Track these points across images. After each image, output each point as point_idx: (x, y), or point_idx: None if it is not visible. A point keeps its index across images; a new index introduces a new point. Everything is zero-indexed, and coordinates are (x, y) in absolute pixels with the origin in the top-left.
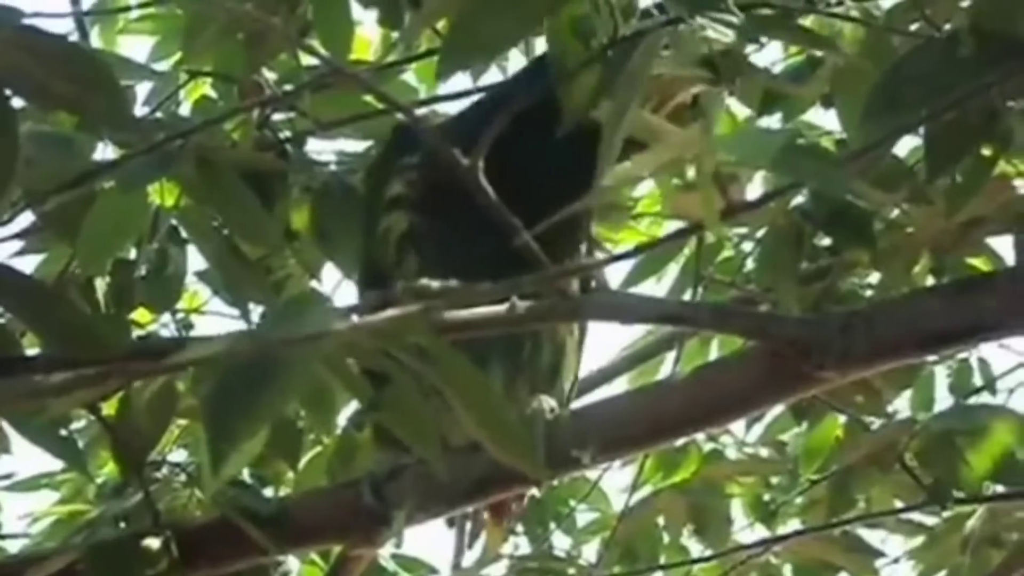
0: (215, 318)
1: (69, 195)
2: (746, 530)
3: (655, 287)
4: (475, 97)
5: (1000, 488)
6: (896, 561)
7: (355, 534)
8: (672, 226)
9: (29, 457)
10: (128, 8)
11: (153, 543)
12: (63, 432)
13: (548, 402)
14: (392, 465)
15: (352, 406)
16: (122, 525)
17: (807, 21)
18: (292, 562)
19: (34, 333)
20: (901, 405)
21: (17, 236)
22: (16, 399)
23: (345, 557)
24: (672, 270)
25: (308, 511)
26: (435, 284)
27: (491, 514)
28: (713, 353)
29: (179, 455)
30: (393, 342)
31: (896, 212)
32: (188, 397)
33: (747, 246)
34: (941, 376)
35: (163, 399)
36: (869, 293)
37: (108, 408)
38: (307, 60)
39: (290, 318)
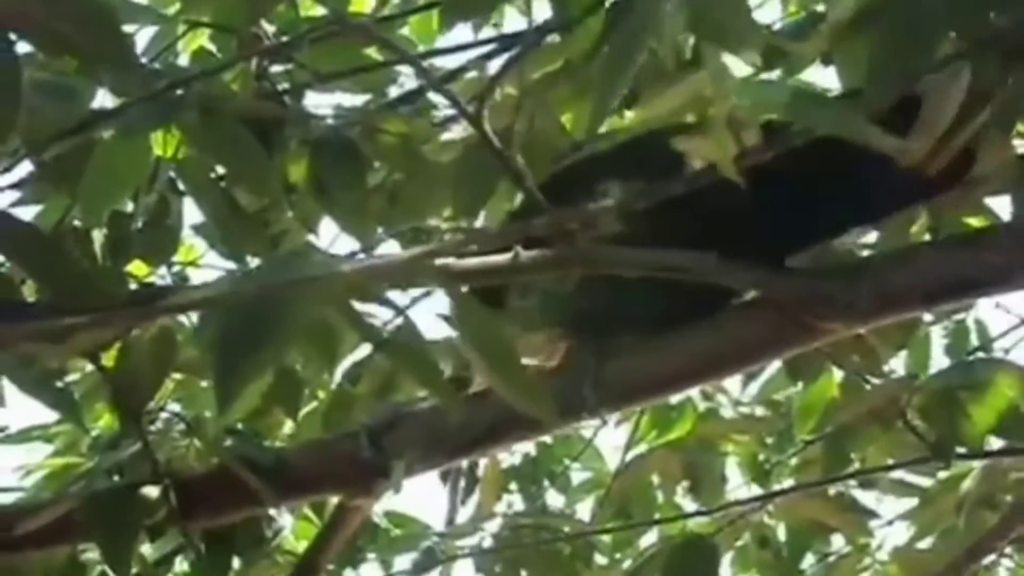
0: (211, 271)
1: (68, 143)
2: (741, 488)
3: None
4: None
5: (1002, 444)
6: (890, 523)
7: (353, 485)
8: None
9: (21, 409)
10: None
11: (151, 492)
12: (58, 384)
13: None
14: (391, 415)
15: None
16: (117, 476)
17: None
18: (285, 519)
19: (34, 280)
20: (896, 366)
21: (14, 186)
22: (16, 342)
23: (343, 508)
24: None
25: (307, 462)
26: (444, 226)
27: None
28: None
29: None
30: (402, 284)
31: None
32: (185, 350)
33: None
34: (937, 337)
35: (162, 348)
36: (866, 253)
37: (106, 359)
38: (305, 13)
39: (297, 261)
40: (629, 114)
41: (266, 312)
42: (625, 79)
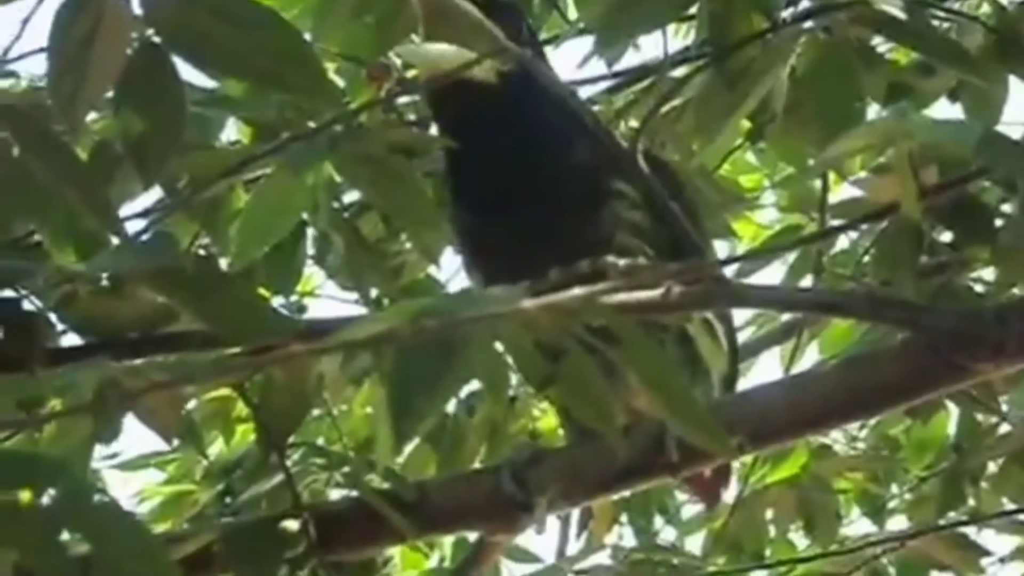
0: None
1: (226, 182)
2: (852, 525)
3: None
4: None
5: None
6: (1003, 561)
7: (496, 520)
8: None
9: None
10: None
11: (292, 525)
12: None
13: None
14: (533, 451)
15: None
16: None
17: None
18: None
19: (195, 316)
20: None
21: (140, 215)
22: (179, 381)
23: (483, 544)
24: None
25: (447, 497)
26: (621, 262)
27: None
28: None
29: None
30: (575, 320)
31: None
32: None
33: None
34: None
35: (305, 380)
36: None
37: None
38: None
39: (475, 297)
40: None
41: (445, 349)
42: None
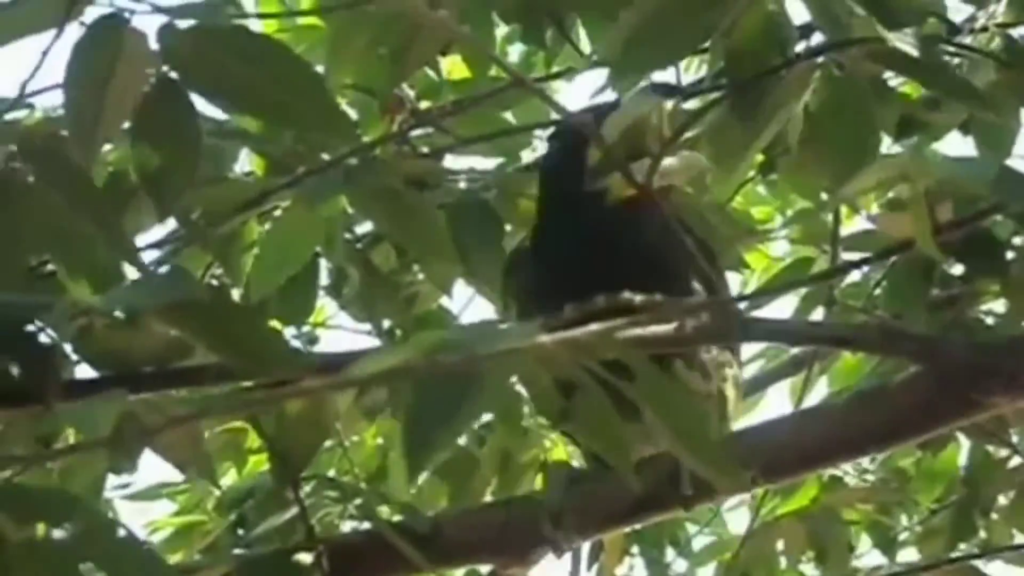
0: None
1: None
2: (863, 557)
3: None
4: None
5: None
6: None
7: (508, 554)
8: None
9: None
10: (274, 15)
11: (305, 558)
12: None
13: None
14: (568, 477)
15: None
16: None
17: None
18: None
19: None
20: None
21: (154, 246)
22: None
23: None
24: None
25: (461, 529)
26: (637, 298)
27: None
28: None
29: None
30: (590, 355)
31: None
32: None
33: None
34: None
35: (319, 413)
36: (991, 321)
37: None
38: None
39: (493, 331)
40: None
41: (462, 383)
42: (754, 151)
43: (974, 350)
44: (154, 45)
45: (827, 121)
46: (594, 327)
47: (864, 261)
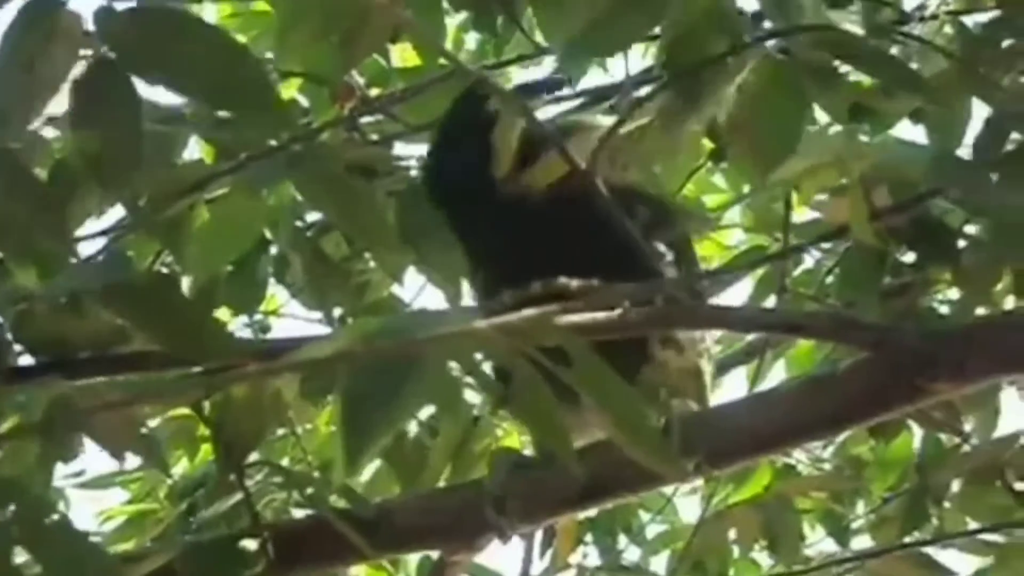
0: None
1: (185, 201)
2: (816, 545)
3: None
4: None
5: None
6: None
7: (456, 539)
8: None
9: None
10: None
11: (251, 544)
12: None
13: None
14: (512, 463)
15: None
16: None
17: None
18: None
19: (148, 335)
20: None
21: (103, 233)
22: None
23: (443, 563)
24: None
25: (408, 515)
26: (574, 283)
27: None
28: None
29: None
30: (527, 340)
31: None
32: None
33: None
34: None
35: (264, 399)
36: (945, 310)
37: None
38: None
39: (430, 317)
40: None
41: (398, 369)
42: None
43: (923, 338)
44: (91, 27)
45: (758, 105)
46: (529, 312)
47: (810, 244)
